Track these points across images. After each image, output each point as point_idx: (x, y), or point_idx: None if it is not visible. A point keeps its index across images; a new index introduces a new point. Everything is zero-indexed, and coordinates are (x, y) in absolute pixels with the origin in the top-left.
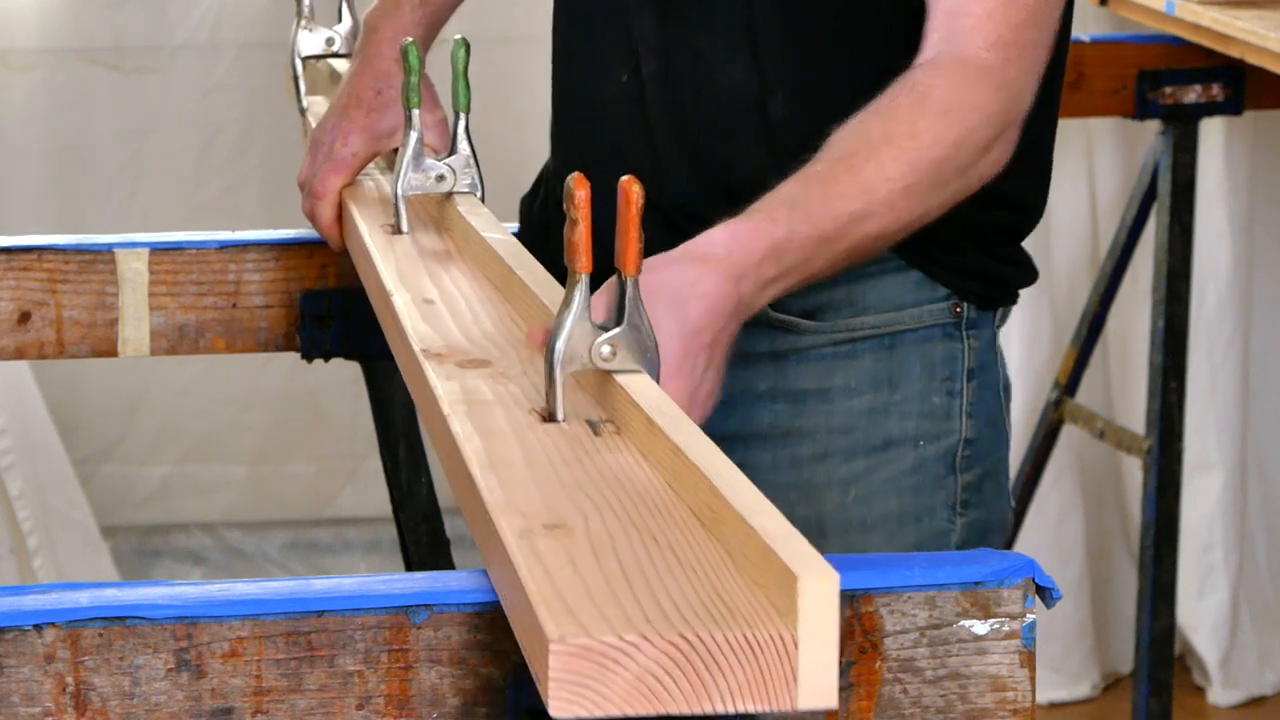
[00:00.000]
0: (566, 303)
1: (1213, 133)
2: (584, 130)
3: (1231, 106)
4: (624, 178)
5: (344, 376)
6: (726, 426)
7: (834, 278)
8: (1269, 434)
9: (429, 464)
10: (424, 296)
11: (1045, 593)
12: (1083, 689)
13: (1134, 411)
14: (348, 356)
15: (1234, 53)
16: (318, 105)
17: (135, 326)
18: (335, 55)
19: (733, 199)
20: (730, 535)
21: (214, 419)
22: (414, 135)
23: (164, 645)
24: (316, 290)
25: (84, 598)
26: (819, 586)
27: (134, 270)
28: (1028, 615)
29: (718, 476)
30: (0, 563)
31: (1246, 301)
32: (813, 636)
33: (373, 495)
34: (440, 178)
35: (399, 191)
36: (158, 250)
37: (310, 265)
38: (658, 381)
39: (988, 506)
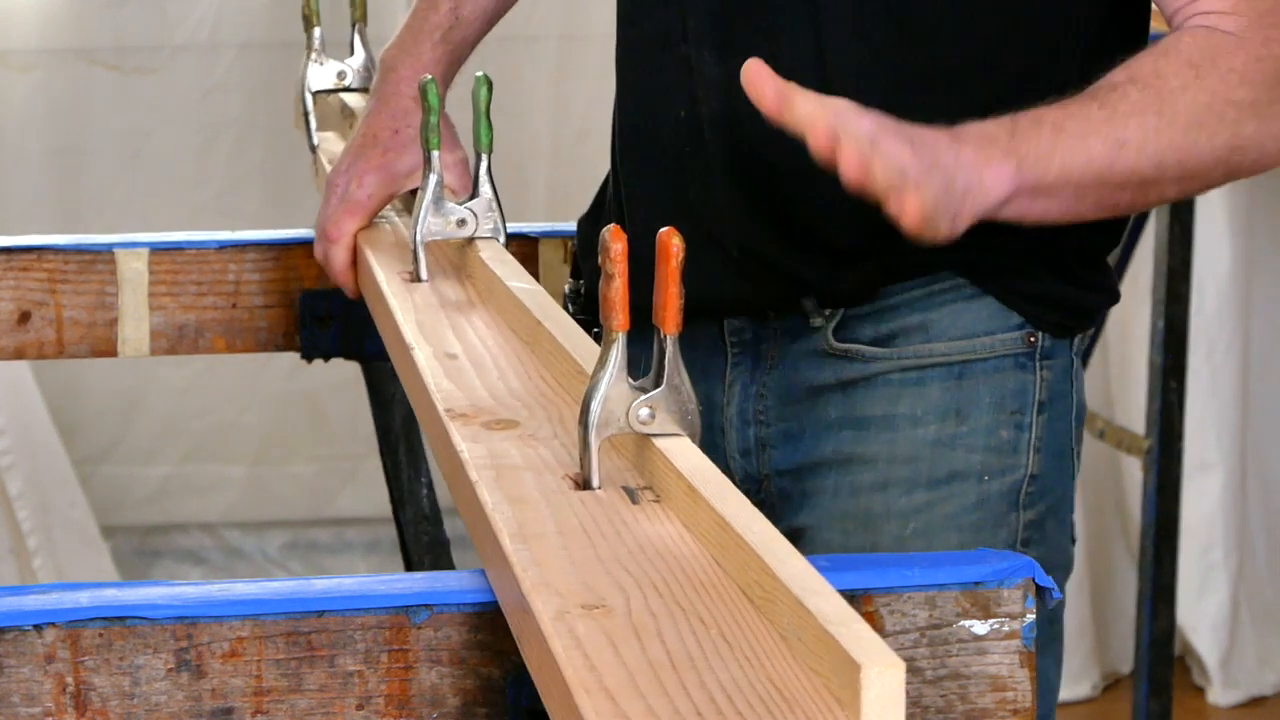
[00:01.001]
0: (602, 362)
1: None
2: (642, 164)
3: None
4: (662, 230)
5: (344, 376)
6: (795, 458)
7: (909, 304)
8: (1269, 434)
9: (429, 464)
10: (446, 350)
11: (1045, 593)
12: (1083, 689)
13: (1134, 411)
14: (348, 356)
15: None
16: (329, 142)
17: (135, 326)
18: (347, 90)
19: (798, 239)
20: (784, 617)
21: (214, 419)
22: (434, 177)
23: (164, 645)
24: (316, 290)
25: (84, 598)
26: (883, 676)
27: (134, 270)
28: (1028, 615)
29: (769, 553)
30: (0, 563)
31: (1246, 301)
32: None
33: (373, 495)
34: (461, 222)
35: (418, 237)
36: (158, 250)
37: (310, 265)
38: (698, 445)
39: (1049, 544)
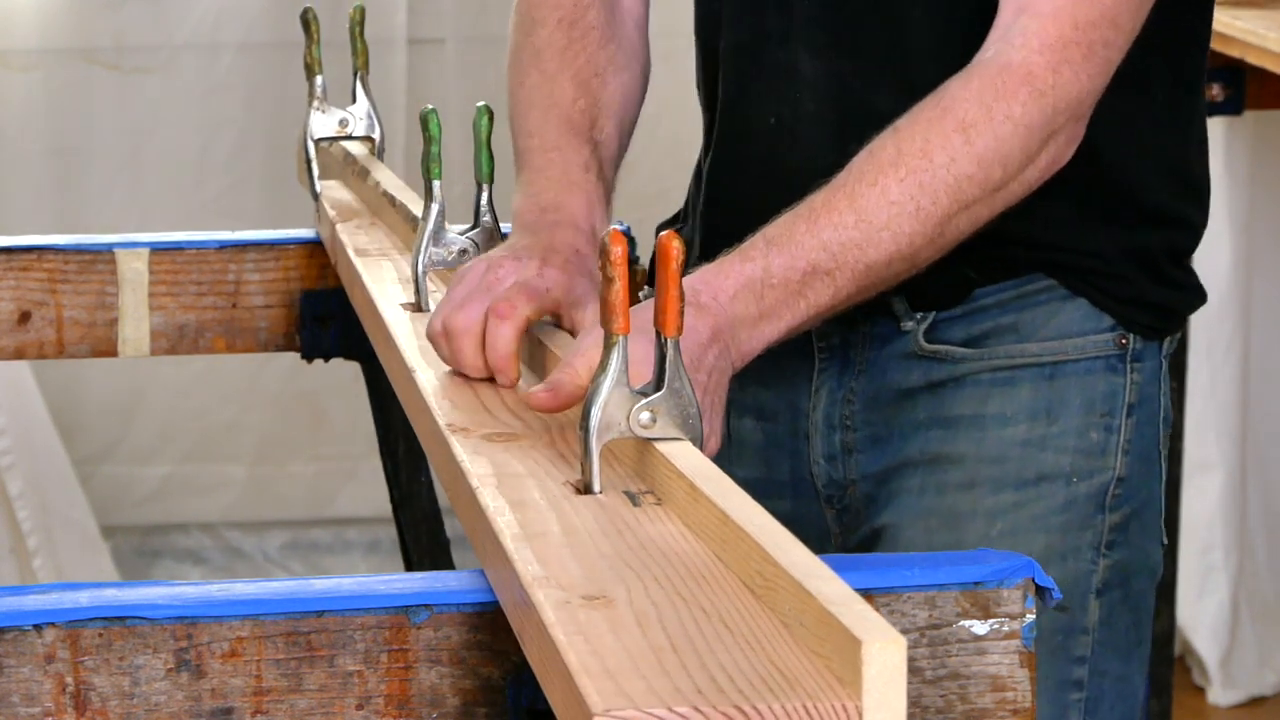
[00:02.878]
0: (603, 366)
1: (1213, 133)
2: (733, 172)
3: (1231, 106)
4: (663, 234)
5: (344, 376)
6: (881, 462)
7: (1000, 306)
8: (1269, 434)
9: (429, 464)
10: (447, 372)
11: (1045, 593)
12: None
13: None
14: (348, 356)
15: (1234, 53)
16: (331, 190)
17: (135, 326)
18: (348, 138)
19: None
20: (785, 603)
21: (214, 419)
22: (435, 208)
23: (164, 645)
24: (316, 290)
25: (84, 598)
26: (884, 652)
27: (134, 270)
28: (1027, 615)
29: (771, 543)
30: (0, 563)
31: (1246, 301)
32: (879, 706)
33: (373, 495)
34: (463, 252)
35: (420, 267)
36: (158, 250)
37: (310, 265)
38: (701, 449)
39: (1132, 547)
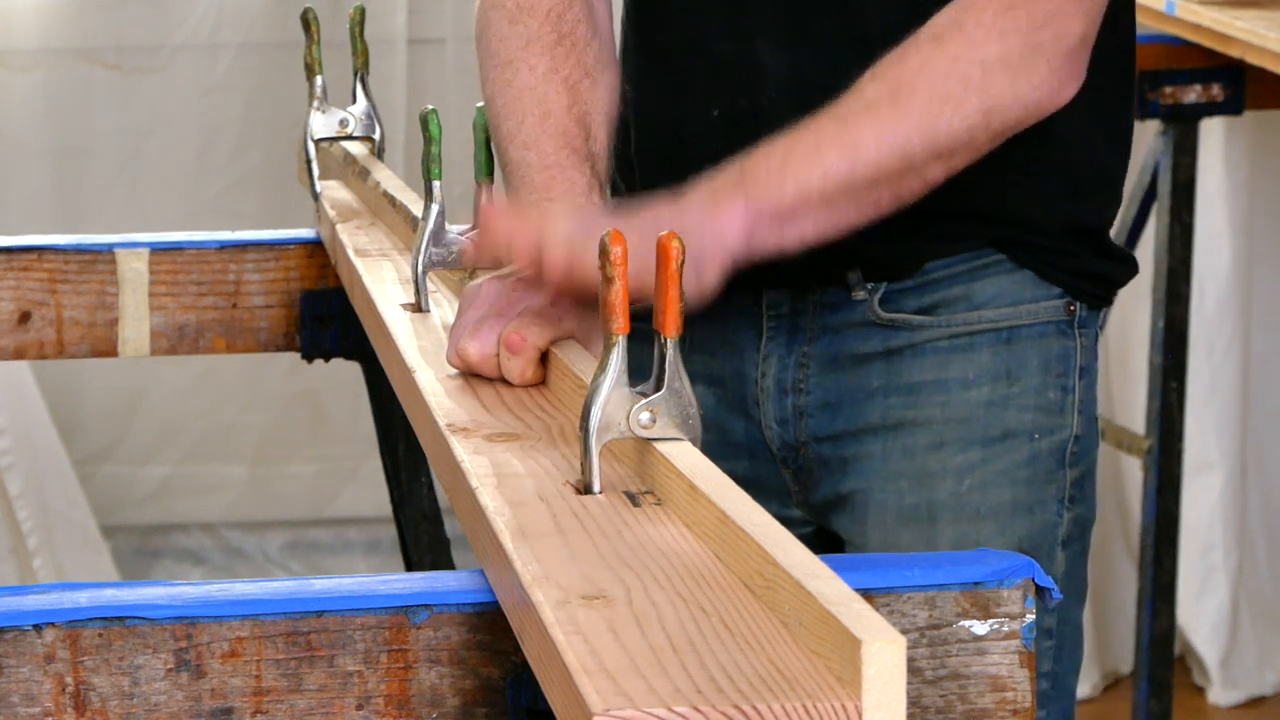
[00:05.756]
0: (603, 366)
1: (1213, 133)
2: (667, 164)
3: (1231, 106)
4: (662, 234)
5: (344, 376)
6: (835, 425)
7: (951, 278)
8: (1269, 434)
9: (429, 464)
10: (447, 372)
11: (1045, 593)
12: (1083, 689)
13: (1134, 411)
14: (348, 356)
15: (1234, 53)
16: (331, 190)
17: (135, 326)
18: (349, 138)
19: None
20: (785, 603)
21: (214, 419)
22: (435, 208)
23: (164, 645)
24: (316, 290)
25: (84, 598)
26: (884, 652)
27: (134, 270)
28: (1027, 615)
29: (771, 542)
30: (0, 563)
31: (1246, 301)
32: (879, 706)
33: (373, 495)
34: (463, 252)
35: (420, 267)
36: (158, 250)
37: (310, 265)
38: (699, 449)
39: (1087, 503)
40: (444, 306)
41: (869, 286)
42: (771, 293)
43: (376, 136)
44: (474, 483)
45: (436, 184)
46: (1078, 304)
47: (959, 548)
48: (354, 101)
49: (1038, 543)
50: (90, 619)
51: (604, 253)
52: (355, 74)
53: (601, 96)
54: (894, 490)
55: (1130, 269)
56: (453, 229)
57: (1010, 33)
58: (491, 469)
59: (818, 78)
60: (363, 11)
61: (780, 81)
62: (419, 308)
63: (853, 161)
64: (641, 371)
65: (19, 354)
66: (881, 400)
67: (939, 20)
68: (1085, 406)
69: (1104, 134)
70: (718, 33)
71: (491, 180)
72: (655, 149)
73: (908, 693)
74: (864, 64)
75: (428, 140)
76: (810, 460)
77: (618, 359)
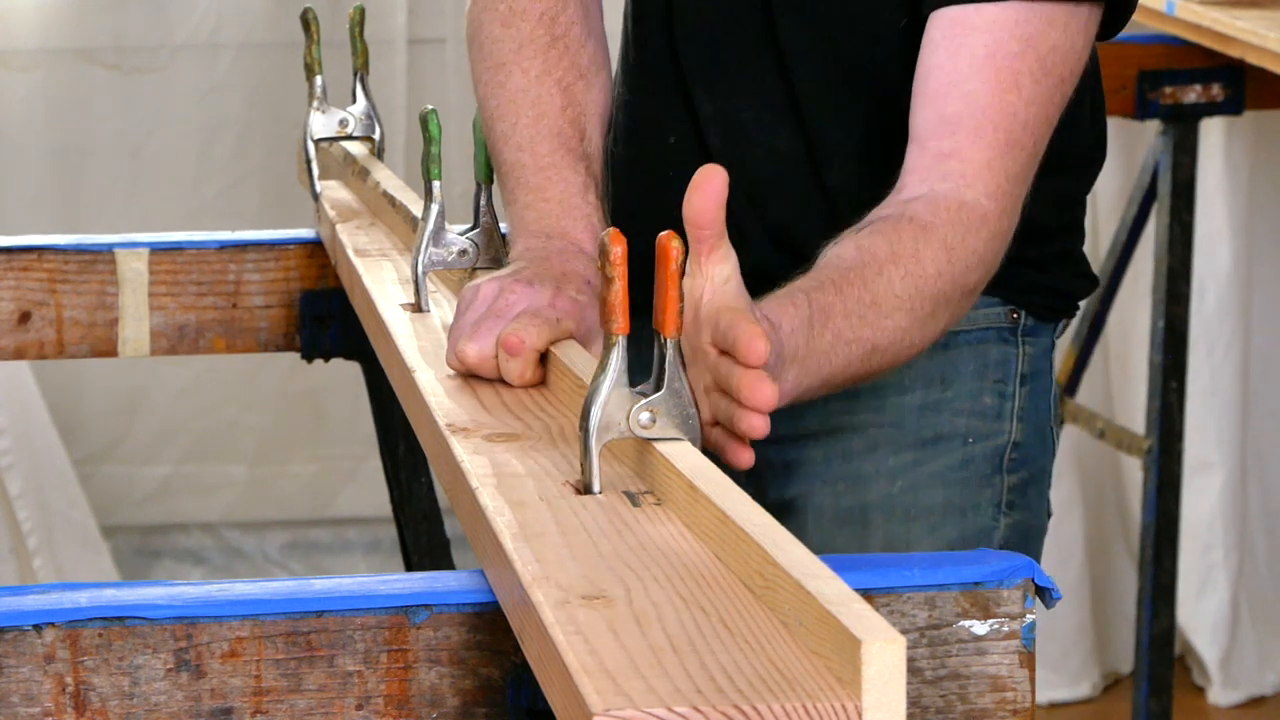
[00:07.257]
0: (603, 366)
1: (1213, 133)
2: (637, 182)
3: (1231, 106)
4: (662, 234)
5: (344, 376)
6: (778, 430)
7: None
8: (1269, 434)
9: (429, 464)
10: (447, 372)
11: (1045, 593)
12: (1083, 689)
13: (1134, 411)
14: (348, 356)
15: (1234, 53)
16: (331, 190)
17: (135, 326)
18: (349, 138)
19: (788, 250)
20: (785, 603)
21: (214, 419)
22: (435, 208)
23: (164, 645)
24: (316, 290)
25: (84, 598)
26: (884, 652)
27: (134, 270)
28: (1027, 615)
29: (771, 542)
30: (0, 563)
31: (1246, 301)
32: (879, 706)
33: (373, 495)
34: (463, 252)
35: (419, 267)
36: (158, 250)
37: (310, 265)
38: (700, 449)
39: (1031, 510)
40: (444, 306)
41: None
42: None
43: (376, 136)
44: (474, 483)
45: (436, 184)
46: (1021, 313)
47: (890, 548)
48: (354, 101)
49: (970, 546)
50: (90, 619)
51: (604, 253)
52: (355, 74)
53: (595, 98)
54: (831, 493)
55: (1088, 285)
56: (453, 229)
57: (976, 268)
58: (491, 469)
59: (755, 130)
60: (362, 11)
61: (718, 131)
62: (419, 308)
63: (866, 363)
64: (642, 371)
65: (19, 354)
66: (821, 405)
67: (946, 226)
68: (1028, 414)
69: (1068, 151)
70: (659, 73)
71: (491, 181)
72: (628, 162)
73: (908, 693)
74: (796, 119)
75: (427, 140)
76: (760, 464)
77: (617, 359)
